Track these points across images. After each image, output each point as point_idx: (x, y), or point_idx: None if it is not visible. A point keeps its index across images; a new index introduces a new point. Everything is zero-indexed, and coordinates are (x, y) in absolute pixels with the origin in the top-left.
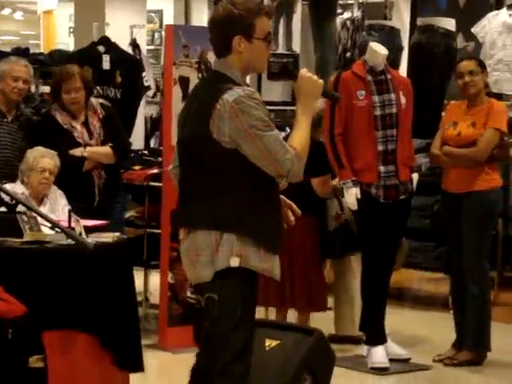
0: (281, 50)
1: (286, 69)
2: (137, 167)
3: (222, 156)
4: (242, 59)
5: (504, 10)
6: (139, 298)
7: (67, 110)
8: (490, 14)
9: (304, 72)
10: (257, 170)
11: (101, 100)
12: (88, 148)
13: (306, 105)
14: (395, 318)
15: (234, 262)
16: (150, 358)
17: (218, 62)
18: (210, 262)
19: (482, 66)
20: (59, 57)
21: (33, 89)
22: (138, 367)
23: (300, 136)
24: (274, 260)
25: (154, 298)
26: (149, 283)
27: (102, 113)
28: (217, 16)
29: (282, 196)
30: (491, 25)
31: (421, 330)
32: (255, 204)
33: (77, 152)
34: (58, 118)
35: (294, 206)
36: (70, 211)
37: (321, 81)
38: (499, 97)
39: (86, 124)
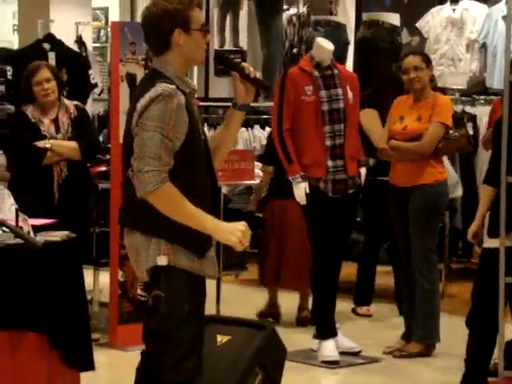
0: (228, 46)
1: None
2: None
3: None
4: (183, 53)
5: (447, 5)
6: (89, 297)
7: (39, 108)
8: (434, 9)
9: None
10: (179, 174)
11: (75, 102)
12: (52, 140)
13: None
14: (346, 312)
15: (162, 261)
16: (101, 356)
17: (156, 60)
18: (146, 261)
19: (427, 60)
20: (3, 55)
21: None
22: (89, 366)
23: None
24: (206, 260)
25: (104, 296)
26: (98, 281)
27: (74, 113)
28: (151, 14)
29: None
30: (435, 20)
31: (371, 322)
32: None
33: (40, 143)
34: (27, 112)
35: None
36: (17, 210)
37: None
38: (443, 91)
39: (55, 121)
